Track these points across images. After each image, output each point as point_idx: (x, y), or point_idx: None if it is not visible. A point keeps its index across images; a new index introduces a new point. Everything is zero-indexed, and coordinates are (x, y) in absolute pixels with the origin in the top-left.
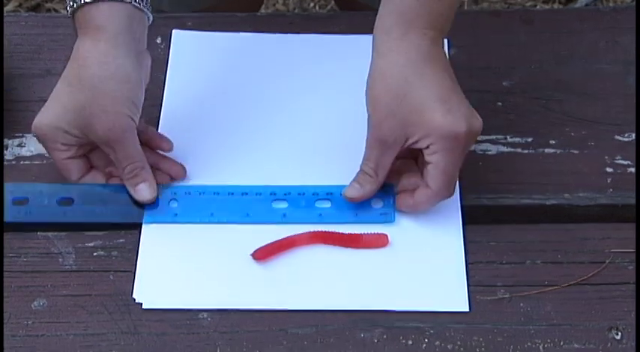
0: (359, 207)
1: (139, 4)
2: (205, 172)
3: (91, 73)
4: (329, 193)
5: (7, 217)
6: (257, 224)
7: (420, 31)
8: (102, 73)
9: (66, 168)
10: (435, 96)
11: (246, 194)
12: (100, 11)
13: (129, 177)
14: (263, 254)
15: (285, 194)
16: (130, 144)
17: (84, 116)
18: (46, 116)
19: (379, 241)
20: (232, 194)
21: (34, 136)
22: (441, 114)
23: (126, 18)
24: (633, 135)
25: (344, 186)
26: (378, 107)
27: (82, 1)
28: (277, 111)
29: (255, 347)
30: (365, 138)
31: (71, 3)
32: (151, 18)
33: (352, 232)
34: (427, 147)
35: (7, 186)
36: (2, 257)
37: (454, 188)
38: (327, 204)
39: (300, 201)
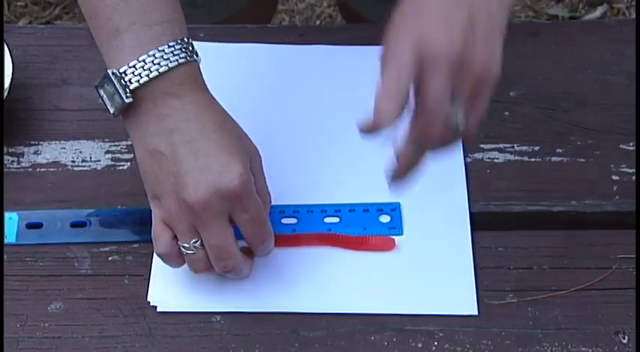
0: (367, 221)
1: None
2: None
3: (218, 117)
4: (337, 210)
5: (21, 240)
6: None
7: None
8: (224, 112)
9: (265, 212)
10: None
11: None
12: (186, 72)
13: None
14: None
15: (294, 211)
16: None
17: (246, 147)
18: (233, 166)
19: (386, 244)
20: None
21: (223, 198)
22: (404, 18)
23: (200, 71)
24: None
25: (352, 204)
26: None
27: (166, 67)
28: (287, 123)
29: (267, 350)
30: (375, 154)
31: (142, 74)
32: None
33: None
34: None
35: (22, 214)
36: (2, 265)
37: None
38: (335, 220)
39: (308, 217)
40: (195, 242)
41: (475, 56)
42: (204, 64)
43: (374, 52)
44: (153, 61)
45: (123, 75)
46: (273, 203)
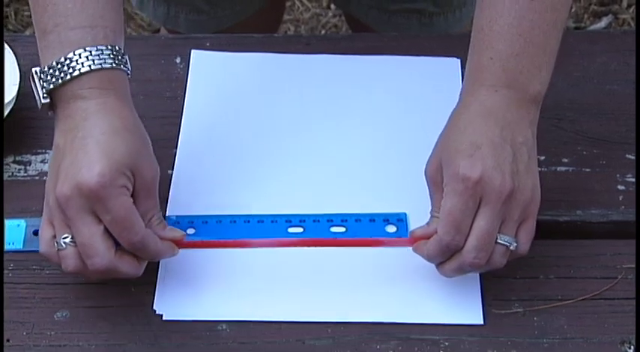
0: (373, 231)
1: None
2: (222, 200)
3: (118, 122)
4: (344, 220)
5: (28, 246)
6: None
7: (491, 89)
8: (130, 121)
9: (134, 217)
10: (468, 141)
11: (262, 222)
12: (99, 78)
13: (157, 223)
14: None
15: (300, 221)
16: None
17: (133, 158)
18: (97, 165)
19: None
20: (249, 222)
21: (83, 195)
22: (462, 156)
23: (124, 81)
24: None
25: (359, 214)
26: (434, 148)
27: (78, 72)
28: (294, 132)
29: None
30: (379, 164)
31: (58, 76)
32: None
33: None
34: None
35: (29, 221)
36: (2, 272)
37: (459, 238)
38: (342, 229)
39: (315, 226)
40: (65, 238)
41: (521, 189)
42: (211, 73)
43: (380, 61)
44: (68, 65)
45: (42, 75)
46: (279, 212)
